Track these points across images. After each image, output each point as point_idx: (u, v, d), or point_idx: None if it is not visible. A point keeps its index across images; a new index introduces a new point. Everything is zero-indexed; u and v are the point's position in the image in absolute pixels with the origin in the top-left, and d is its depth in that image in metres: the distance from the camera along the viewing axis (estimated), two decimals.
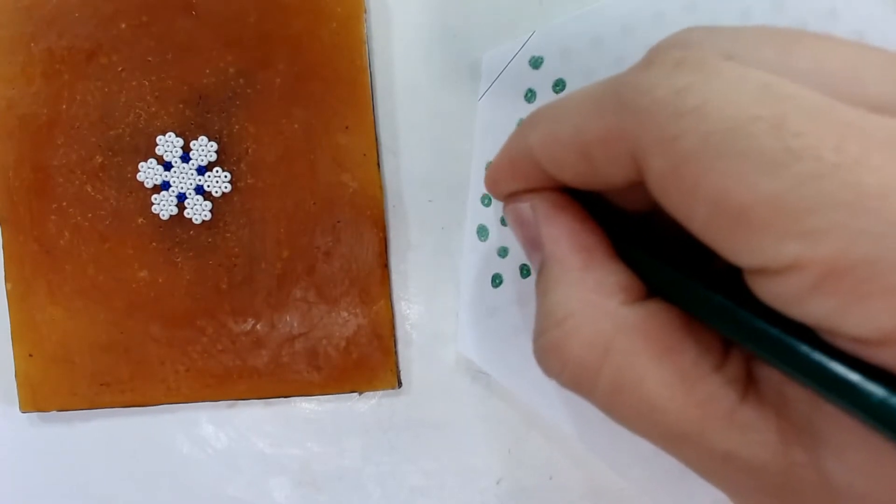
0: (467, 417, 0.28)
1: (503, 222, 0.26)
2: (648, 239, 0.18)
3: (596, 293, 0.17)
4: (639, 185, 0.16)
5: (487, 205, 0.26)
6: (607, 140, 0.15)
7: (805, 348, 0.14)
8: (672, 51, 0.15)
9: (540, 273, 0.18)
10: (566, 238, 0.18)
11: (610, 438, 0.26)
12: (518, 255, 0.26)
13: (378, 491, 0.28)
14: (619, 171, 0.15)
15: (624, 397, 0.16)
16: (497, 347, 0.26)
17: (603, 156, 0.16)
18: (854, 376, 0.13)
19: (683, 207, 0.14)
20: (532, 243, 0.19)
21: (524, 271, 0.26)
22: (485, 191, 0.26)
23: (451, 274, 0.27)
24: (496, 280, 0.26)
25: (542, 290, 0.18)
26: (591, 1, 0.26)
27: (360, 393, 0.28)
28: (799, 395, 0.15)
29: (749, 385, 0.15)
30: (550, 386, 0.26)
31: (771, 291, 0.13)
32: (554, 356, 0.17)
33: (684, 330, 0.16)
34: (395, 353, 0.27)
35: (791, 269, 0.13)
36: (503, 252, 0.26)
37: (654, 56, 0.15)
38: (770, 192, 0.12)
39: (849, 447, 0.14)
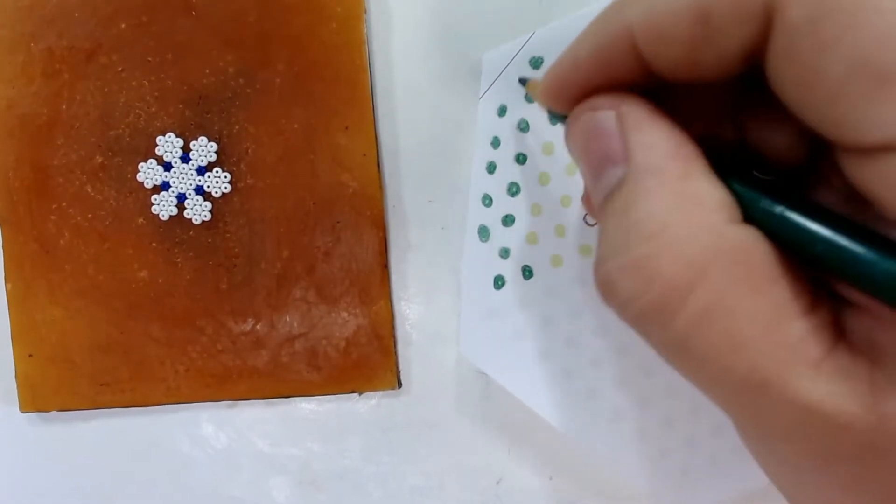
0: (467, 417, 0.28)
1: (504, 223, 0.26)
2: (730, 163, 0.16)
3: (699, 205, 0.14)
4: (710, 93, 0.14)
5: (488, 205, 0.26)
6: None
7: None
8: None
9: (620, 188, 0.16)
10: (664, 144, 0.15)
11: (610, 438, 0.26)
12: (519, 256, 0.26)
13: (378, 491, 0.28)
14: (741, 33, 0.14)
15: (709, 329, 0.14)
16: (498, 349, 0.26)
17: (728, 13, 0.14)
18: None
19: (812, 68, 0.13)
20: (607, 157, 0.16)
21: (526, 273, 0.26)
22: (486, 191, 0.26)
23: (451, 274, 0.27)
24: (498, 282, 0.26)
25: (623, 206, 0.15)
26: (591, 1, 0.26)
27: (360, 393, 0.28)
28: (892, 342, 0.13)
29: (839, 335, 0.14)
30: (551, 387, 0.26)
31: (885, 172, 0.12)
32: (637, 275, 0.14)
33: (781, 264, 0.14)
34: (395, 353, 0.27)
35: None
36: (505, 253, 0.26)
37: None
38: None
39: None
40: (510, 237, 0.26)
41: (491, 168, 0.26)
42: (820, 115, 0.13)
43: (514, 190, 0.26)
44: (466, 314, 0.26)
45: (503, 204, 0.26)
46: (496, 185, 0.26)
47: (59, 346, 0.27)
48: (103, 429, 0.28)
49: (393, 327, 0.27)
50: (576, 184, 0.26)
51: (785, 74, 0.13)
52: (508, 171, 0.26)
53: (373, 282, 0.27)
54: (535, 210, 0.26)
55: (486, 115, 0.26)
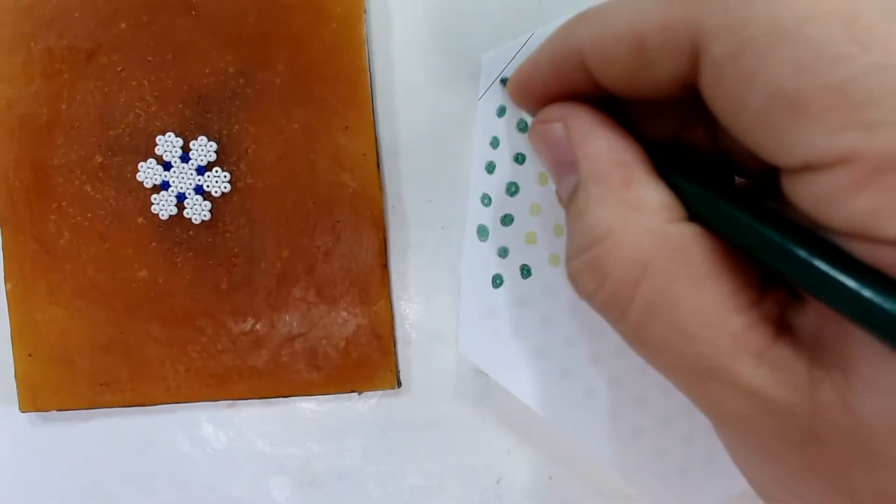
0: (467, 417, 0.28)
1: (503, 222, 0.26)
2: (680, 163, 0.17)
3: (638, 210, 0.16)
4: (672, 102, 0.15)
5: (487, 205, 0.26)
6: (668, 27, 0.15)
7: (838, 269, 0.13)
8: None
9: (574, 195, 0.17)
10: (605, 154, 0.17)
11: (607, 437, 0.26)
12: (518, 255, 0.26)
13: (378, 491, 0.28)
14: (672, 64, 0.15)
15: (656, 320, 0.15)
16: (497, 348, 0.26)
17: (660, 46, 0.15)
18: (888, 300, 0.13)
19: (736, 98, 0.14)
20: (562, 166, 0.18)
21: (524, 272, 0.26)
22: (485, 191, 0.26)
23: (451, 274, 0.27)
24: (497, 280, 0.26)
25: (577, 212, 0.17)
26: (592, 1, 0.26)
27: (360, 393, 0.28)
28: (833, 336, 0.14)
29: (783, 328, 0.15)
30: (549, 386, 0.26)
31: (811, 190, 0.13)
32: (591, 274, 0.16)
33: (724, 259, 0.15)
34: (395, 353, 0.27)
35: (841, 162, 0.12)
36: (503, 252, 0.26)
37: None
38: (832, 82, 0.12)
39: (881, 378, 0.13)
40: (509, 237, 0.26)
41: (490, 168, 0.26)
42: (749, 139, 0.14)
43: (513, 190, 0.26)
44: (465, 313, 0.26)
45: (502, 203, 0.26)
46: (495, 185, 0.26)
47: (58, 345, 0.27)
48: (103, 429, 0.28)
49: (393, 327, 0.27)
50: None
51: (715, 102, 0.15)
52: (507, 170, 0.26)
53: (373, 282, 0.27)
54: (535, 210, 0.26)
55: (486, 115, 0.26)
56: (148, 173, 0.27)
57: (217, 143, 0.27)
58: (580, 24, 0.17)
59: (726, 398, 0.15)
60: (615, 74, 0.16)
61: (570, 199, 0.18)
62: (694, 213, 0.16)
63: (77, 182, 0.27)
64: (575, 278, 0.17)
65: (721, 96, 0.14)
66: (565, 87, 0.18)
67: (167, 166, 0.27)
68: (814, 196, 0.13)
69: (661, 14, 0.15)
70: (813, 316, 0.15)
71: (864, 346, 0.14)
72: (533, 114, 0.20)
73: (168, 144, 0.27)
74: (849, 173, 0.12)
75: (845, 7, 0.13)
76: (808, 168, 0.13)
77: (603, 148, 0.17)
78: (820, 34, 0.13)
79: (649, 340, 0.16)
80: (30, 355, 0.27)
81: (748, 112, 0.14)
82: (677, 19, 0.15)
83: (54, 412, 0.28)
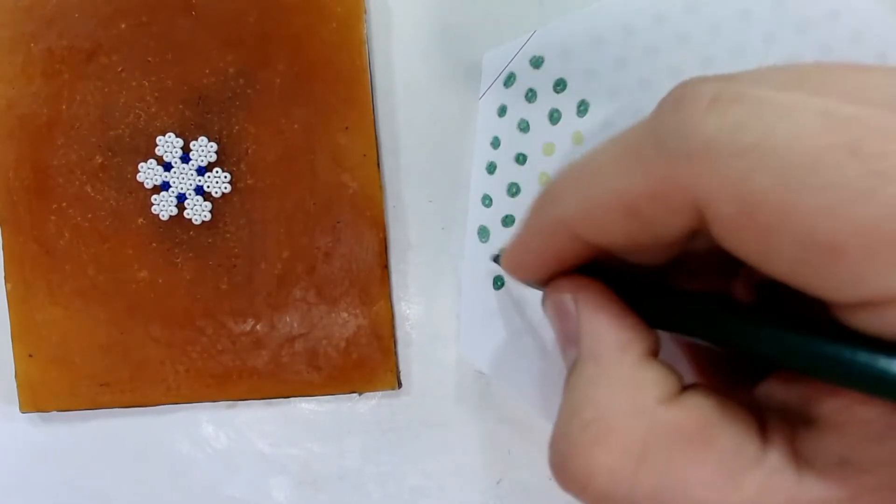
0: (467, 417, 0.28)
1: (504, 223, 0.26)
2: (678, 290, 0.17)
3: (631, 391, 0.15)
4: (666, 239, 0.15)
5: (488, 206, 0.26)
6: (659, 194, 0.14)
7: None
8: (701, 86, 0.14)
9: (571, 370, 0.17)
10: (607, 333, 0.16)
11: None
12: None
13: (378, 491, 0.28)
14: (676, 222, 0.14)
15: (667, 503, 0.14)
16: (497, 349, 0.26)
17: (656, 211, 0.14)
18: None
19: (763, 250, 0.13)
20: (568, 338, 0.17)
21: None
22: (486, 191, 0.26)
23: (452, 274, 0.27)
24: (497, 282, 0.26)
25: (571, 387, 0.16)
26: (592, 0, 0.26)
27: (360, 393, 0.28)
28: (872, 459, 0.13)
29: (802, 465, 0.14)
30: (550, 387, 0.26)
31: (875, 323, 0.12)
32: (577, 465, 0.15)
33: (722, 419, 0.15)
34: (395, 353, 0.27)
35: None
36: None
37: (683, 94, 0.14)
38: (865, 221, 0.12)
39: None
40: (510, 238, 0.26)
41: (491, 168, 0.26)
42: (787, 280, 0.13)
43: (514, 190, 0.26)
44: (466, 315, 0.26)
45: (503, 204, 0.26)
46: (496, 186, 0.26)
47: (59, 346, 0.27)
48: (103, 429, 0.28)
49: (393, 327, 0.27)
50: None
51: (737, 251, 0.14)
52: (508, 171, 0.26)
53: (373, 282, 0.27)
54: None
55: (486, 115, 0.26)
56: (148, 174, 0.27)
57: (217, 144, 0.27)
58: (560, 198, 0.16)
59: None
60: (615, 239, 0.16)
61: (567, 375, 0.17)
62: (694, 334, 0.16)
63: (77, 182, 0.27)
64: (559, 468, 0.16)
65: (743, 247, 0.13)
66: (565, 257, 0.17)
67: (167, 167, 0.27)
68: (880, 326, 0.12)
69: (646, 180, 0.14)
70: (834, 438, 0.14)
71: None
72: (539, 288, 0.19)
73: (168, 145, 0.26)
74: None
75: (846, 135, 0.12)
76: (865, 305, 0.12)
77: (605, 326, 0.17)
78: (836, 176, 0.12)
79: None
80: (30, 356, 0.27)
81: (780, 260, 0.13)
82: (666, 184, 0.14)
83: (54, 412, 0.28)
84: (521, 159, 0.26)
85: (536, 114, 0.25)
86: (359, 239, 0.27)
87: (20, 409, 0.27)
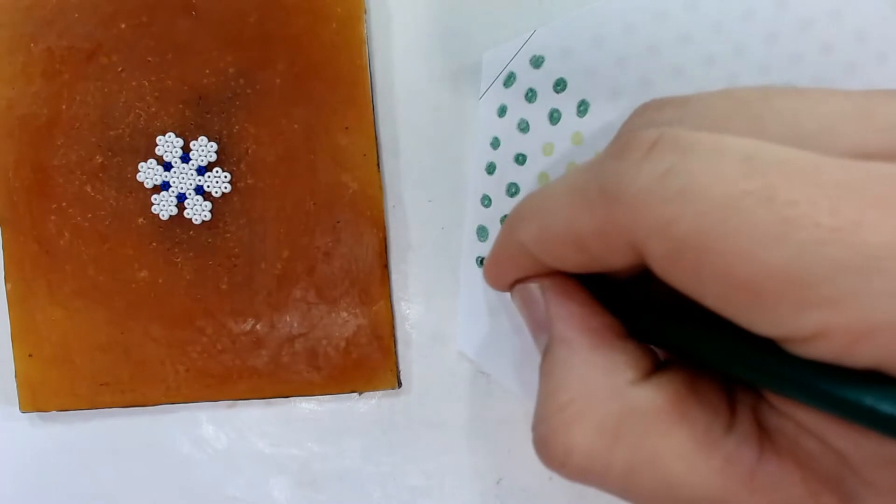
0: (467, 417, 0.28)
1: (503, 223, 0.26)
2: (652, 299, 0.17)
3: (604, 374, 0.16)
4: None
5: (487, 206, 0.26)
6: (602, 232, 0.15)
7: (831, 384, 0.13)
8: (644, 133, 0.14)
9: (545, 356, 0.18)
10: (576, 318, 0.17)
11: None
12: None
13: (378, 491, 0.28)
14: (620, 258, 0.15)
15: (641, 478, 0.15)
16: (497, 346, 0.26)
17: (600, 247, 0.15)
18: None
19: (693, 287, 0.14)
20: (539, 325, 0.18)
21: None
22: (485, 192, 0.26)
23: (452, 274, 0.27)
24: None
25: (545, 372, 0.17)
26: (592, 0, 0.25)
27: (360, 393, 0.28)
28: (822, 438, 0.14)
29: (764, 439, 0.15)
30: None
31: (807, 353, 0.13)
32: (555, 445, 0.16)
33: (693, 396, 0.16)
34: (395, 353, 0.27)
35: (818, 336, 0.12)
36: None
37: (628, 141, 0.15)
38: (776, 265, 0.12)
39: (889, 480, 0.13)
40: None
41: (490, 169, 0.26)
42: (721, 313, 0.14)
43: (513, 191, 0.26)
44: (464, 312, 0.26)
45: (502, 205, 0.26)
46: (495, 186, 0.26)
47: (59, 346, 0.27)
48: (103, 429, 0.28)
49: (393, 327, 0.27)
50: None
51: (675, 285, 0.14)
52: (508, 171, 0.26)
53: (373, 282, 0.27)
54: None
55: (486, 115, 0.26)
56: (148, 174, 0.27)
57: (217, 144, 0.27)
58: (519, 224, 0.18)
59: None
60: (567, 266, 0.17)
61: (541, 360, 0.18)
62: (664, 344, 0.17)
63: (77, 182, 0.27)
64: (540, 448, 0.17)
65: (679, 284, 0.14)
66: (530, 271, 0.18)
67: (167, 166, 0.27)
68: (813, 356, 0.13)
69: (591, 219, 0.15)
70: (791, 422, 0.15)
71: (869, 456, 0.13)
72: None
73: (168, 145, 0.26)
74: (833, 342, 0.12)
75: (761, 182, 0.13)
76: (790, 340, 0.13)
77: (574, 312, 0.17)
78: (747, 222, 0.12)
79: (637, 497, 0.16)
80: (30, 355, 0.27)
81: (710, 297, 0.14)
82: (607, 225, 0.15)
83: (54, 412, 0.28)
84: (520, 159, 0.26)
85: (536, 114, 0.25)
86: (359, 239, 0.27)
87: (20, 408, 0.27)
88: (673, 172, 0.13)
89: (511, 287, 0.20)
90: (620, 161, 0.14)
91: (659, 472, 0.15)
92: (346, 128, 0.26)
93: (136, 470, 0.29)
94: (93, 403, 0.27)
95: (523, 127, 0.26)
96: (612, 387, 0.16)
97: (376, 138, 0.27)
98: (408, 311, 0.28)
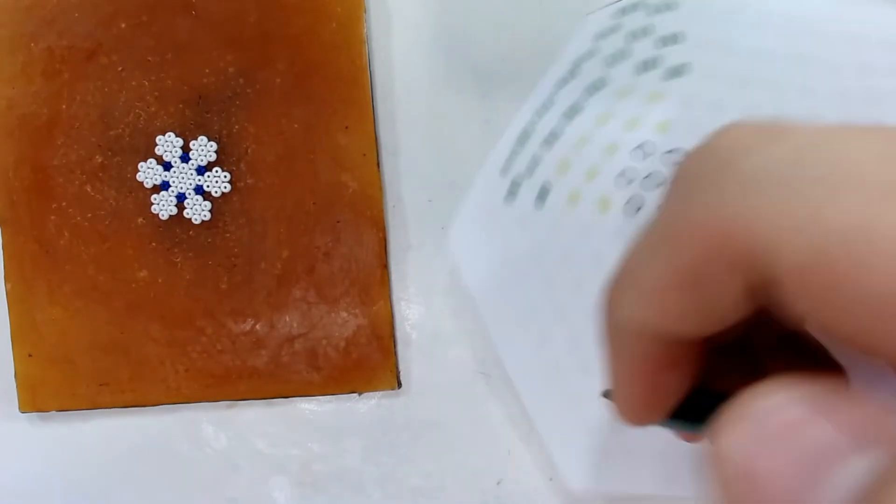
0: (467, 417, 0.28)
1: (546, 143, 0.25)
2: None
3: None
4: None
5: (542, 114, 0.25)
6: (711, 250, 0.12)
7: None
8: (745, 120, 0.12)
9: (886, 480, 0.11)
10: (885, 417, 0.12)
11: (610, 441, 0.26)
12: (541, 178, 0.25)
13: (378, 491, 0.28)
14: (735, 288, 0.12)
15: None
16: (484, 258, 0.25)
17: (713, 273, 0.12)
18: None
19: (834, 305, 0.11)
20: (820, 456, 0.12)
21: (541, 195, 0.25)
22: (547, 98, 0.24)
23: (451, 274, 0.27)
24: (513, 190, 0.25)
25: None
26: (593, 0, 0.25)
27: (360, 393, 0.28)
28: None
29: None
30: (542, 318, 0.25)
31: None
32: None
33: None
34: (395, 353, 0.27)
35: None
36: (529, 172, 0.25)
37: (726, 129, 0.12)
38: None
39: None
40: (544, 169, 0.25)
41: (562, 83, 0.25)
42: (854, 340, 0.11)
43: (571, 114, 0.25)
44: (470, 204, 0.25)
45: (557, 114, 0.25)
46: (567, 94, 0.25)
47: (58, 346, 0.27)
48: (103, 429, 0.28)
49: (393, 327, 0.27)
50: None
51: (802, 309, 0.12)
52: (578, 90, 0.25)
53: (373, 282, 0.27)
54: (564, 164, 0.25)
55: (582, 36, 0.25)
56: (148, 173, 0.27)
57: (217, 143, 0.27)
58: (614, 308, 0.14)
59: None
60: (679, 323, 0.13)
61: (870, 493, 0.12)
62: None
63: (77, 182, 0.27)
64: None
65: (810, 306, 0.11)
66: (660, 365, 0.14)
67: (167, 166, 0.27)
68: None
69: (696, 240, 0.12)
70: None
71: None
72: (682, 426, 0.16)
73: (168, 144, 0.26)
74: None
75: None
76: None
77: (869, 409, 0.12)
78: None
79: None
80: (30, 355, 0.27)
81: (854, 319, 0.11)
82: (716, 237, 0.12)
83: (54, 412, 0.28)
84: (598, 84, 0.25)
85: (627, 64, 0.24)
86: (359, 239, 0.27)
87: (20, 408, 0.27)
88: (807, 156, 0.11)
89: (661, 406, 0.15)
90: (715, 154, 0.12)
91: None
92: (346, 127, 0.26)
93: (136, 470, 0.28)
94: (93, 403, 0.27)
95: (609, 62, 0.24)
96: None
97: (376, 138, 0.27)
98: (408, 311, 0.28)
